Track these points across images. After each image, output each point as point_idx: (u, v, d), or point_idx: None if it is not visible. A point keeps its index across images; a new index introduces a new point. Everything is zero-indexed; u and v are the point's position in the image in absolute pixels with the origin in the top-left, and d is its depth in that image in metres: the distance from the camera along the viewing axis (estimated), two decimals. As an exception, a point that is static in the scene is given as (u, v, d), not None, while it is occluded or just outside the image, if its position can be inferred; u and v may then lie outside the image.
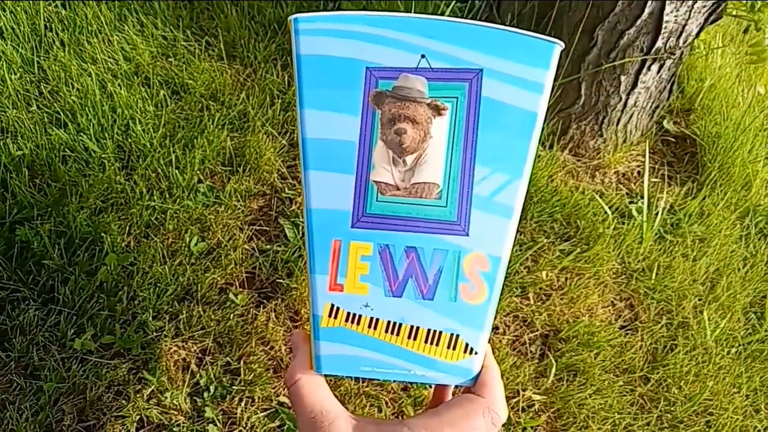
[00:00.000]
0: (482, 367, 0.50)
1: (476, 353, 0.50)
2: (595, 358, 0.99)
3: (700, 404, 0.99)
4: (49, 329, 0.84)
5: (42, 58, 1.12)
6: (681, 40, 1.10)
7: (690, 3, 1.03)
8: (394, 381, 0.51)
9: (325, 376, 0.49)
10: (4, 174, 0.96)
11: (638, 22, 1.04)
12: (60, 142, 1.01)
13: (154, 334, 0.87)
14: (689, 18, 1.05)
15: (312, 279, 0.50)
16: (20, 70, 1.10)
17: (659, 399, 0.99)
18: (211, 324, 0.89)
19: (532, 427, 0.92)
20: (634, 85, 1.14)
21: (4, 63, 1.09)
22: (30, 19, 1.16)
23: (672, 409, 0.98)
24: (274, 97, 1.14)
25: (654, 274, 1.10)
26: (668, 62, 1.14)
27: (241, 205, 1.02)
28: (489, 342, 0.55)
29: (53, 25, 1.17)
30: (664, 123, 1.35)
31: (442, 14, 1.16)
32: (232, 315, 0.90)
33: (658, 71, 1.15)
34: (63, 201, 0.96)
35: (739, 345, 1.06)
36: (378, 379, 0.47)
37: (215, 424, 0.81)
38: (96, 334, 0.84)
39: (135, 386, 0.83)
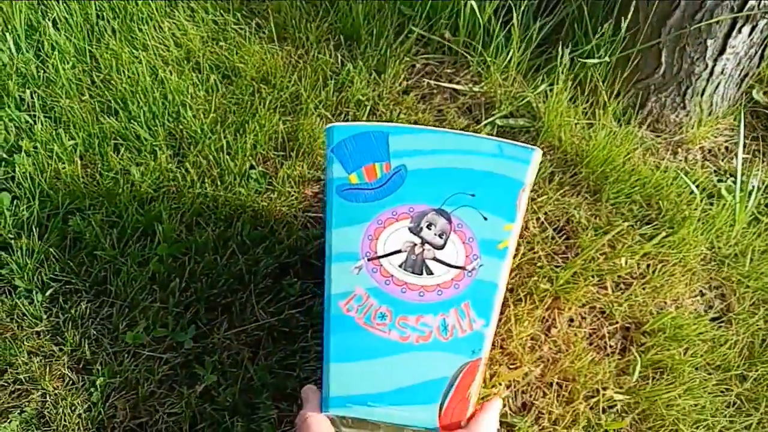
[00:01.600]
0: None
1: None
2: (684, 354, 0.89)
3: (808, 406, 0.88)
4: (101, 322, 0.82)
5: (94, 46, 1.11)
6: (778, -3, 0.97)
7: (791, -48, 0.90)
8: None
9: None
10: (57, 164, 0.95)
11: (728, -23, 0.93)
12: (112, 130, 0.99)
13: (207, 327, 0.83)
14: (789, -30, 0.93)
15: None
16: (73, 59, 1.08)
17: (759, 400, 0.89)
18: (265, 316, 0.84)
19: (615, 430, 0.83)
20: (722, 50, 1.03)
21: (57, 53, 1.07)
22: (82, 9, 1.14)
23: (774, 411, 0.88)
24: (327, 78, 1.09)
25: (748, 260, 0.99)
26: (761, 23, 1.02)
27: (294, 191, 0.97)
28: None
29: (104, 14, 1.15)
30: (753, 93, 1.22)
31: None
32: (286, 306, 0.85)
33: (750, 34, 1.03)
34: (115, 190, 0.93)
35: None
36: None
37: (270, 423, 0.76)
38: (148, 327, 0.81)
39: (188, 382, 0.79)
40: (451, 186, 0.64)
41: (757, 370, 0.91)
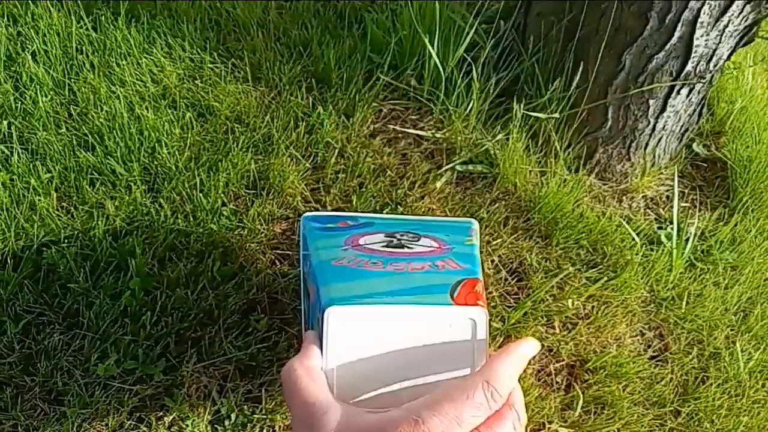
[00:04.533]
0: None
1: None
2: (623, 391, 0.97)
3: (733, 440, 0.96)
4: (73, 353, 0.84)
5: (72, 80, 1.14)
6: (711, 64, 1.08)
7: (721, 27, 1.01)
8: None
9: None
10: (33, 197, 0.97)
11: (667, 46, 1.02)
12: (88, 164, 1.02)
13: (176, 360, 0.87)
14: (720, 42, 1.03)
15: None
16: (51, 92, 1.12)
17: (690, 434, 0.96)
18: (233, 350, 0.88)
19: (557, 462, 0.90)
20: (663, 109, 1.12)
21: (36, 85, 1.10)
22: (62, 42, 1.18)
23: (703, 444, 0.95)
24: (299, 120, 1.14)
25: (684, 303, 1.08)
26: (698, 86, 1.12)
27: (264, 228, 1.02)
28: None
29: (84, 48, 1.19)
30: (694, 146, 1.32)
31: (467, 35, 1.15)
32: (253, 341, 0.90)
33: (688, 95, 1.13)
34: (90, 223, 0.97)
35: (774, 378, 1.03)
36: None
37: (236, 454, 0.80)
38: (119, 359, 0.85)
39: (157, 413, 0.82)
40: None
41: (689, 406, 0.99)
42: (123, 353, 0.85)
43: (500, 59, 1.20)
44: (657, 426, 0.96)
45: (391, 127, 1.18)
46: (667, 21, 0.99)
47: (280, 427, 0.84)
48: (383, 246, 0.66)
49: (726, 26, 1.00)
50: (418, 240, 0.67)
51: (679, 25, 0.99)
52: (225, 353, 0.88)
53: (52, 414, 0.80)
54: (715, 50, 1.04)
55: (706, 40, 1.02)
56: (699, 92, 1.14)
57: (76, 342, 0.85)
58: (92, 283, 0.90)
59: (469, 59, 1.15)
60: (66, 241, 0.94)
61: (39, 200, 0.97)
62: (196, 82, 1.18)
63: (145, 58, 1.19)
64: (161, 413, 0.82)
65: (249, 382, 0.87)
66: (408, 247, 0.66)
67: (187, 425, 0.81)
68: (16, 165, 1.00)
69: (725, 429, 0.97)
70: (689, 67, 1.06)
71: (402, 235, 0.68)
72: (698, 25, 0.99)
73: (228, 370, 0.87)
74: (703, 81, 1.09)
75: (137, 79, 1.16)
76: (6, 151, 1.03)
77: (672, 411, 0.99)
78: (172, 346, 0.87)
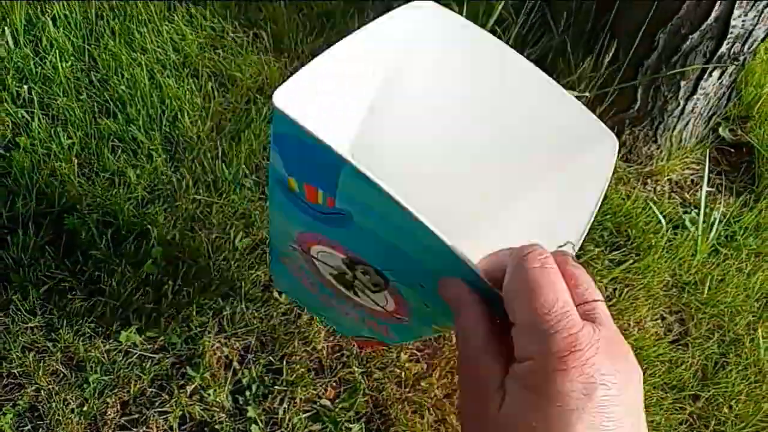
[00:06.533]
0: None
1: None
2: (644, 374, 0.96)
3: (753, 426, 0.95)
4: (95, 320, 0.84)
5: (92, 46, 1.12)
6: (746, 46, 1.05)
7: (760, 7, 0.98)
8: None
9: None
10: (54, 162, 0.96)
11: (703, 26, 1.00)
12: (109, 131, 1.01)
13: (198, 329, 0.86)
14: (757, 23, 1.01)
15: None
16: (71, 57, 1.10)
17: (709, 418, 0.96)
18: (254, 322, 0.88)
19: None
20: (694, 91, 1.10)
21: (57, 51, 1.09)
22: (82, 8, 1.16)
23: (723, 429, 0.95)
24: (321, 93, 1.13)
25: (707, 288, 1.06)
26: (730, 68, 1.09)
27: (286, 201, 1.01)
28: None
29: (104, 14, 1.17)
30: (720, 130, 1.30)
31: (496, 10, 1.13)
32: (275, 313, 0.89)
33: (720, 77, 1.10)
34: (111, 191, 0.96)
35: (796, 366, 1.02)
36: None
37: (257, 424, 0.80)
38: (141, 328, 0.84)
39: (178, 381, 0.82)
40: (399, 266, 0.44)
41: (709, 391, 0.98)
42: (145, 321, 0.85)
43: (528, 34, 1.17)
44: (676, 409, 0.96)
45: (415, 102, 1.16)
46: (704, -1, 0.97)
47: (300, 399, 0.84)
48: (331, 274, 0.52)
49: (766, 6, 0.97)
50: (377, 290, 0.50)
51: (717, 3, 0.96)
52: (246, 324, 0.87)
53: (74, 379, 0.80)
54: (751, 31, 1.02)
55: (743, 21, 0.99)
56: (731, 75, 1.12)
57: (98, 309, 0.85)
58: (114, 251, 0.90)
59: (498, 32, 1.13)
60: (87, 207, 0.94)
61: (60, 166, 0.96)
62: (218, 51, 1.16)
63: (166, 25, 1.17)
64: (183, 382, 0.82)
65: (270, 353, 0.86)
66: (356, 294, 0.52)
67: (209, 394, 0.81)
68: (37, 130, 0.99)
69: (744, 415, 0.96)
70: (723, 48, 1.03)
71: (364, 273, 0.48)
72: (737, 4, 0.96)
73: (249, 342, 0.87)
74: (737, 63, 1.07)
75: (158, 47, 1.14)
76: (27, 115, 1.02)
77: (691, 395, 0.98)
78: (194, 315, 0.87)
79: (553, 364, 0.30)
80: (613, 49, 1.07)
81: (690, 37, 1.01)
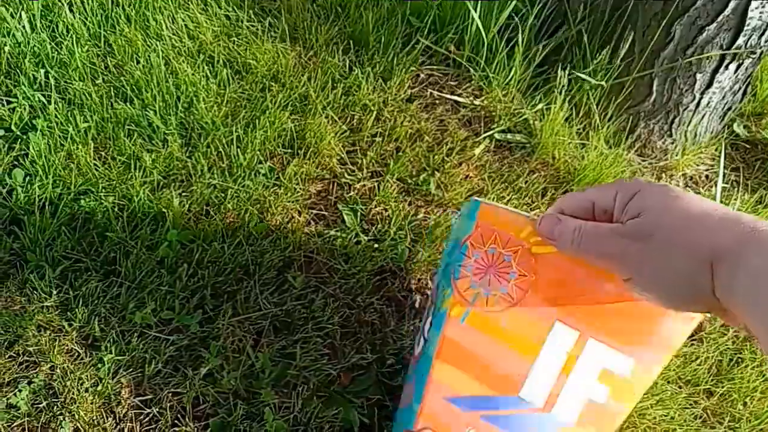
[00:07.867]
0: None
1: None
2: (658, 366, 0.95)
3: (767, 423, 0.95)
4: (110, 301, 0.84)
5: (108, 32, 1.13)
6: (763, 39, 1.04)
7: (779, -1, 0.97)
8: None
9: None
10: (70, 145, 0.97)
11: (720, 17, 0.99)
12: (125, 116, 1.01)
13: (212, 312, 0.86)
14: (776, 15, 1.00)
15: None
16: (87, 43, 1.10)
17: (724, 414, 0.95)
18: (269, 306, 0.88)
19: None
20: (710, 84, 1.10)
21: (73, 36, 1.09)
22: (98, -6, 1.16)
23: (737, 425, 0.94)
24: (336, 81, 1.13)
25: (721, 283, 1.06)
26: (747, 61, 1.09)
27: (300, 188, 1.01)
28: None
29: (120, 1, 1.17)
30: (734, 126, 1.29)
31: (505, 5, 1.13)
32: (289, 298, 0.89)
33: (736, 71, 1.10)
34: (126, 174, 0.96)
35: (810, 362, 1.01)
36: None
37: (271, 409, 0.80)
38: (155, 309, 0.84)
39: (192, 364, 0.82)
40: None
41: (723, 386, 0.97)
42: (159, 303, 0.85)
43: (543, 26, 1.17)
44: (690, 404, 0.95)
45: (429, 91, 1.16)
46: (722, -10, 0.96)
47: (313, 384, 0.84)
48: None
49: (785, -2, 0.97)
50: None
51: (736, -6, 0.96)
52: (260, 308, 0.87)
53: (88, 359, 0.80)
54: (769, 24, 1.01)
55: (760, 13, 0.99)
56: (747, 68, 1.11)
57: (113, 290, 0.85)
58: (129, 233, 0.90)
59: (514, 23, 1.13)
60: (103, 190, 0.94)
61: (76, 149, 0.96)
62: (232, 39, 1.16)
63: (181, 12, 1.18)
64: (197, 364, 0.82)
65: (284, 338, 0.86)
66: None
67: (223, 376, 0.81)
68: (54, 113, 1.00)
69: (759, 411, 0.96)
70: (740, 40, 1.03)
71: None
72: (755, -5, 0.96)
73: (263, 326, 0.87)
74: (753, 56, 1.06)
75: (173, 34, 1.14)
76: (43, 99, 1.02)
77: (706, 390, 0.97)
78: (208, 298, 0.87)
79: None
80: (630, 41, 1.07)
81: (707, 28, 1.01)
